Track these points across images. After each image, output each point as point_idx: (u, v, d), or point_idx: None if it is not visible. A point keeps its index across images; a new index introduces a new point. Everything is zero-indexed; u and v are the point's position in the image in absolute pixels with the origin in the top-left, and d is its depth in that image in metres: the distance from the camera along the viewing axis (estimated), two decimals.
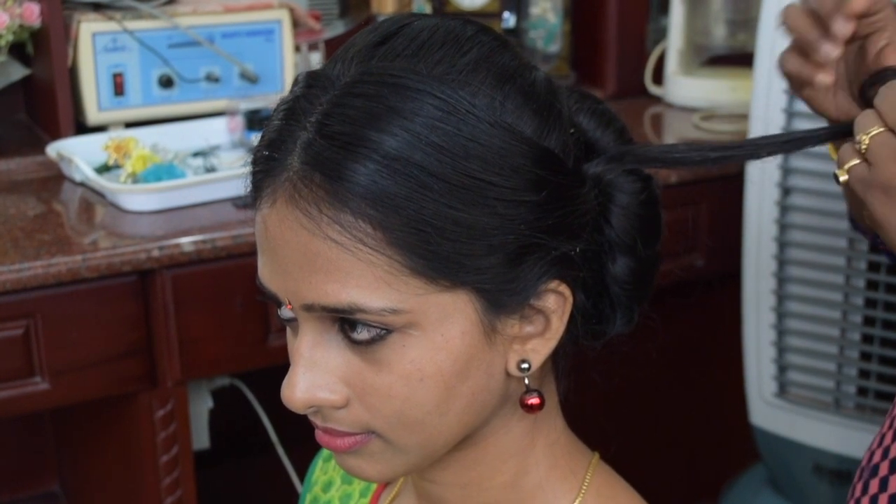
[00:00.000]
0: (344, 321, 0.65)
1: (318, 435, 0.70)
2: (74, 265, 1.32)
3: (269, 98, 1.70)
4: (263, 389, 1.70)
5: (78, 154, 1.54)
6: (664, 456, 2.12)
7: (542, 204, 0.66)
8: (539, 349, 0.69)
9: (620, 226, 0.72)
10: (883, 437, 0.80)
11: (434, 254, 0.64)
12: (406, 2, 1.99)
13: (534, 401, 0.70)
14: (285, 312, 0.69)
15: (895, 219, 0.79)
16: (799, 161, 1.48)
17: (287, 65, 1.80)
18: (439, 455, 0.71)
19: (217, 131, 1.70)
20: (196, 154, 1.62)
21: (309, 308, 0.65)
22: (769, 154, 0.77)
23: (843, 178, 0.82)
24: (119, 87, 1.70)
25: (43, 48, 1.69)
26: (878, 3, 0.88)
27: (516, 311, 0.67)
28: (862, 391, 1.50)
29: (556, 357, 0.72)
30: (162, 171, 1.52)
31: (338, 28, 2.12)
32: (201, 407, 1.65)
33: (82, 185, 1.55)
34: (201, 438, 1.65)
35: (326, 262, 0.64)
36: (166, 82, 1.73)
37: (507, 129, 0.65)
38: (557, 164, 0.67)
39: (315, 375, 0.67)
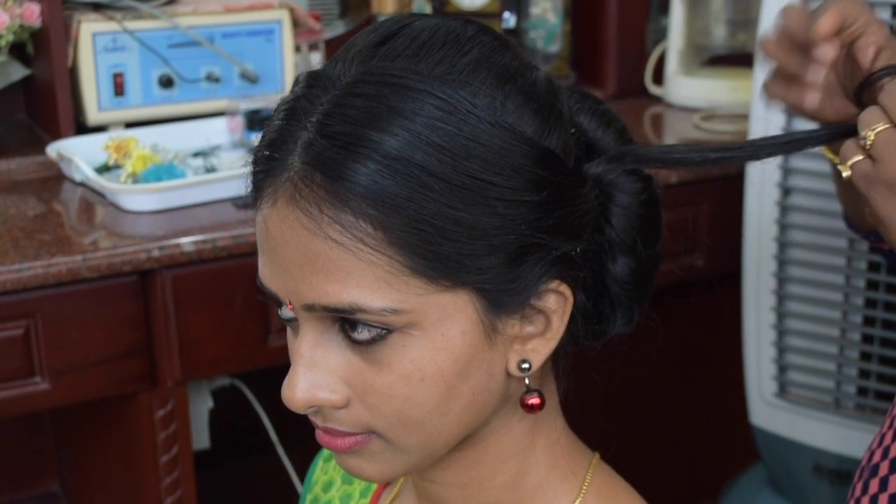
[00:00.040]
0: (344, 321, 0.65)
1: (319, 435, 0.70)
2: (74, 265, 1.32)
3: (269, 98, 1.70)
4: (263, 389, 1.70)
5: (78, 154, 1.54)
6: (664, 456, 2.12)
7: (543, 204, 0.66)
8: (539, 349, 0.69)
9: (621, 226, 0.72)
10: (883, 436, 0.80)
11: (435, 254, 0.64)
12: (406, 2, 1.99)
13: (534, 401, 0.70)
14: (286, 312, 0.69)
15: None
16: (799, 161, 1.48)
17: (287, 65, 1.80)
18: (440, 455, 0.71)
19: (217, 131, 1.70)
20: (196, 154, 1.62)
21: (309, 308, 0.65)
22: (769, 155, 0.78)
23: (846, 173, 0.82)
24: (119, 87, 1.70)
25: (43, 48, 1.69)
26: (849, 16, 0.88)
27: (517, 311, 0.67)
28: (862, 391, 1.50)
29: (556, 357, 0.72)
30: (162, 171, 1.52)
31: (338, 28, 2.12)
32: (201, 407, 1.65)
33: (82, 185, 1.55)
34: (201, 438, 1.65)
35: (327, 262, 0.64)
36: (166, 82, 1.73)
37: (507, 129, 0.65)
38: (558, 164, 0.67)
39: (315, 375, 0.67)
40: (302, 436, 0.93)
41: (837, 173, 1.02)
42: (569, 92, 0.74)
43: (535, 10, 2.02)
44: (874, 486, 0.78)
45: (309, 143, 0.64)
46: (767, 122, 1.49)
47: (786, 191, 1.50)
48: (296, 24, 1.82)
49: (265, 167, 0.66)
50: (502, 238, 0.65)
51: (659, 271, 0.76)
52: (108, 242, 1.38)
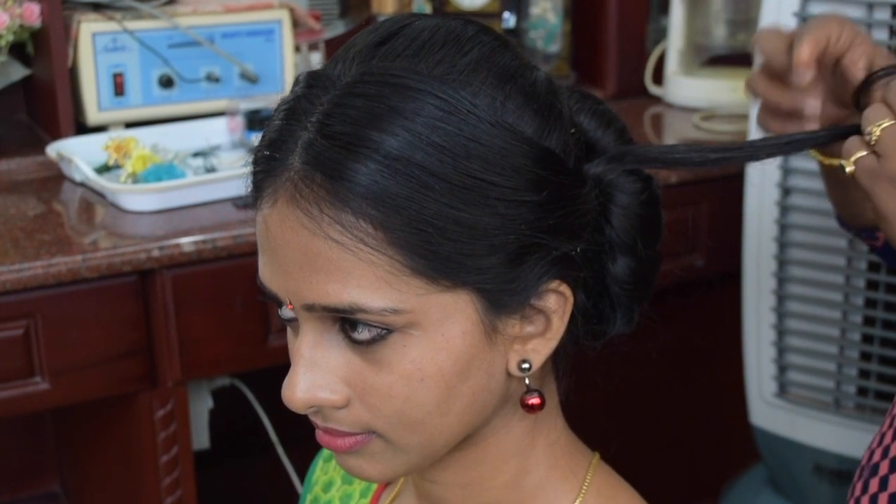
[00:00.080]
0: (345, 321, 0.65)
1: (319, 435, 0.70)
2: (74, 265, 1.32)
3: (269, 98, 1.70)
4: (263, 389, 1.70)
5: (78, 154, 1.54)
6: (664, 456, 2.12)
7: (543, 204, 0.66)
8: (540, 349, 0.69)
9: (621, 226, 0.72)
10: (883, 436, 0.80)
11: (435, 254, 0.64)
12: (406, 2, 1.99)
13: (534, 401, 0.70)
14: (286, 312, 0.69)
15: None
16: (799, 161, 1.48)
17: (287, 65, 1.80)
18: (440, 455, 0.71)
19: (217, 131, 1.70)
20: (196, 154, 1.62)
21: (310, 308, 0.65)
22: (769, 156, 0.78)
23: (849, 169, 0.82)
24: (119, 87, 1.70)
25: (43, 48, 1.69)
26: (829, 35, 0.88)
27: (517, 311, 0.67)
28: (862, 391, 1.50)
29: (556, 357, 0.72)
30: (162, 171, 1.52)
31: (338, 28, 2.12)
32: (201, 407, 1.65)
33: (82, 185, 1.55)
34: (201, 438, 1.65)
35: (327, 262, 0.64)
36: (166, 82, 1.73)
37: (507, 129, 0.65)
38: (558, 164, 0.67)
39: (316, 375, 0.67)
40: (302, 436, 0.93)
41: (826, 172, 1.03)
42: (569, 92, 0.74)
43: (535, 10, 2.02)
44: (874, 485, 0.78)
45: (309, 143, 0.64)
46: None
47: (786, 191, 1.50)
48: (296, 24, 1.82)
49: (265, 167, 0.66)
50: (502, 238, 0.65)
51: (659, 271, 0.76)
52: (108, 242, 1.38)
